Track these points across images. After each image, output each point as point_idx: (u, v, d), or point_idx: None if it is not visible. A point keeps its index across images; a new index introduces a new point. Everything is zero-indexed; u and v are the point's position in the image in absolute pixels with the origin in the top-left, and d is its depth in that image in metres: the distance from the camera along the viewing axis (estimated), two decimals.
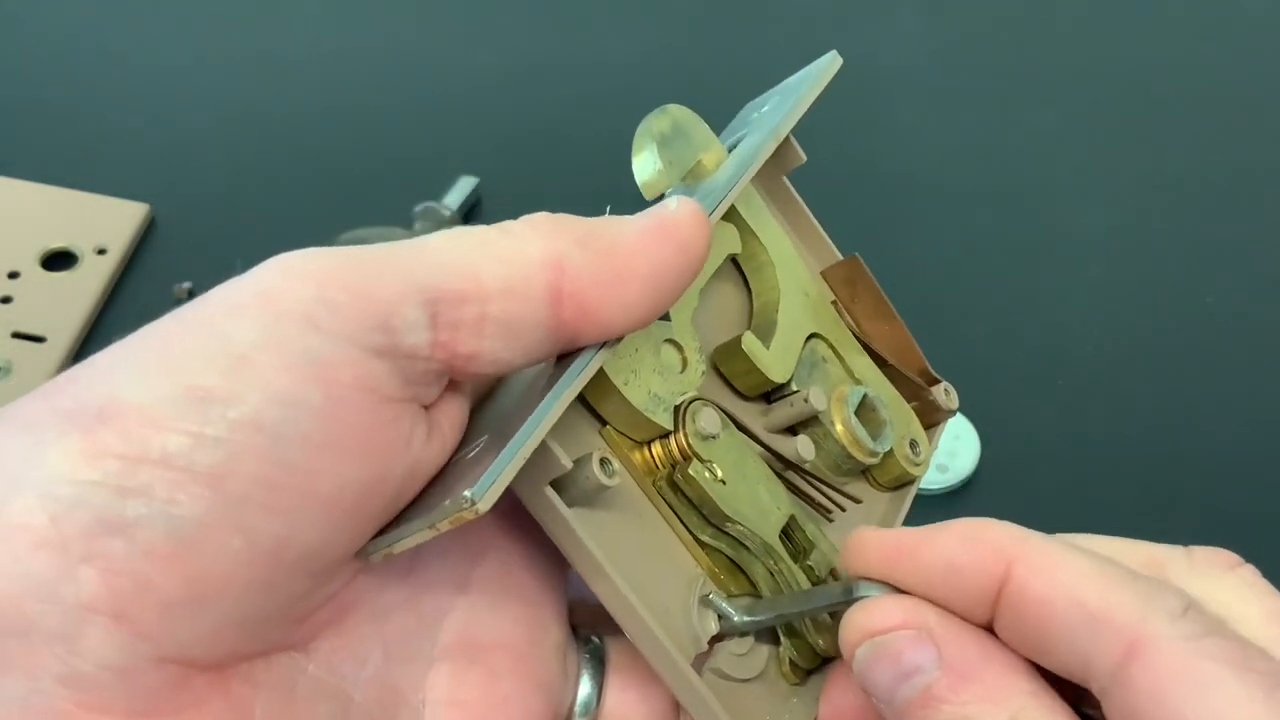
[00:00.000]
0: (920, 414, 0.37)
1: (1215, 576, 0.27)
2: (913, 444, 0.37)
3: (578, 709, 0.31)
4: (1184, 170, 0.82)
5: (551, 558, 0.30)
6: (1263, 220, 0.79)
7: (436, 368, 0.26)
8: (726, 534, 0.31)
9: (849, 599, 0.28)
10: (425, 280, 0.25)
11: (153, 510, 0.23)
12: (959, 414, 0.39)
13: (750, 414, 0.34)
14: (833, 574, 0.32)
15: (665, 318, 0.31)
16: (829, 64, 0.35)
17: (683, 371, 0.31)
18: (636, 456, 0.31)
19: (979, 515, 0.28)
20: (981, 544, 0.26)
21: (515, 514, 0.29)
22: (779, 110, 0.34)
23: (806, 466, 0.34)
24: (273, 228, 0.76)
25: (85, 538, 0.22)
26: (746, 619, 0.31)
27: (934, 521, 0.28)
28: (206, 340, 0.24)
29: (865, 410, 0.35)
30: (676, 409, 0.31)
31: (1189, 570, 0.27)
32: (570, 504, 0.28)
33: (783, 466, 0.33)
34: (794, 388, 0.34)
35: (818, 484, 0.34)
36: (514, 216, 0.28)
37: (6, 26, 0.89)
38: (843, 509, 0.34)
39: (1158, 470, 0.67)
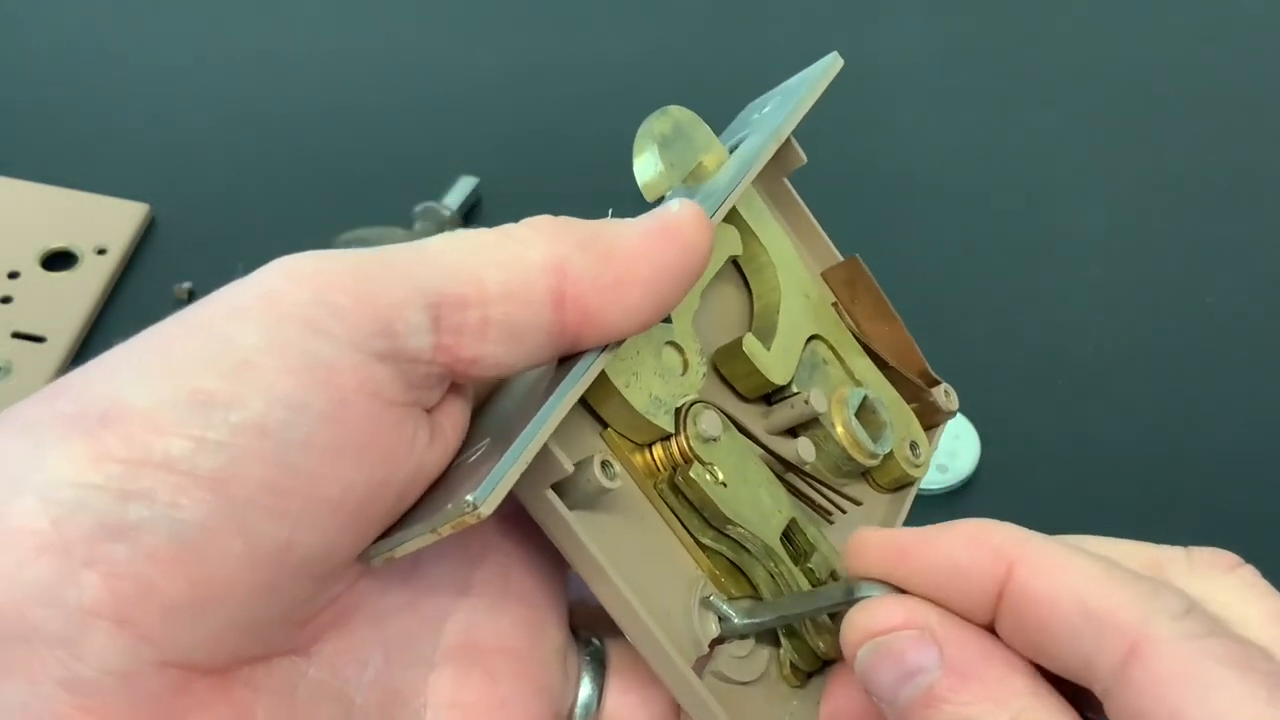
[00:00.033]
0: (920, 415, 0.37)
1: (1215, 577, 0.27)
2: (913, 445, 0.37)
3: (578, 711, 0.31)
4: (1184, 170, 0.82)
5: (552, 560, 0.30)
6: (1263, 220, 0.79)
7: (439, 371, 0.26)
8: (727, 536, 0.31)
9: (850, 600, 0.28)
10: (427, 284, 0.25)
11: (155, 514, 0.23)
12: (959, 414, 0.39)
13: (751, 416, 0.34)
14: (833, 576, 0.32)
15: (666, 320, 0.31)
16: (830, 65, 0.35)
17: (684, 374, 0.31)
18: (637, 459, 0.31)
19: (979, 515, 0.27)
20: (983, 544, 0.26)
21: (516, 516, 0.29)
22: (780, 111, 0.34)
23: (807, 468, 0.34)
24: (273, 228, 0.76)
25: (87, 541, 0.22)
26: (747, 621, 0.31)
27: (934, 522, 0.28)
28: (209, 343, 0.24)
29: (865, 412, 0.35)
30: (677, 411, 0.31)
31: (1189, 571, 0.27)
32: (571, 507, 0.28)
33: (783, 468, 0.33)
34: (794, 389, 0.34)
35: (818, 486, 0.34)
36: (514, 217, 0.28)
37: (6, 26, 0.89)
38: (843, 511, 0.34)
39: (1158, 470, 0.67)
